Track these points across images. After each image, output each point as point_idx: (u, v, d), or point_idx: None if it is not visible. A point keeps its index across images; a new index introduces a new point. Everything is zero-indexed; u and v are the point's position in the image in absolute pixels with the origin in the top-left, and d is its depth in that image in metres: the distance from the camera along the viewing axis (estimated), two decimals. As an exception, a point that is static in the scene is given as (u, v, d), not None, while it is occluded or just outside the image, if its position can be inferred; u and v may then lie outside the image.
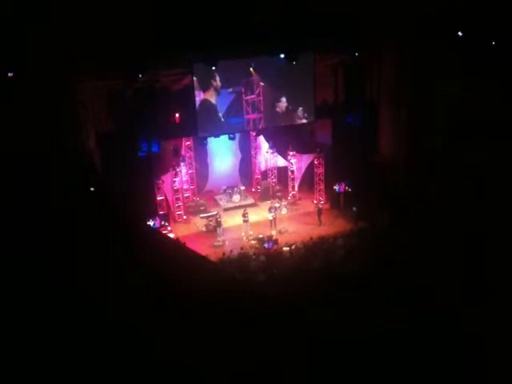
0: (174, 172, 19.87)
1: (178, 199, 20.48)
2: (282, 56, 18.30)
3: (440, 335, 5.98)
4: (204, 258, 8.83)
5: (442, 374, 5.05)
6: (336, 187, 20.66)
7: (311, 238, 17.91)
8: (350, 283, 11.28)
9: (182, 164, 21.02)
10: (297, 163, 22.11)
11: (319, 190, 21.67)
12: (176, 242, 12.54)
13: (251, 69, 18.27)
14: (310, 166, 21.82)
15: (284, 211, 20.85)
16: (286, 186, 22.55)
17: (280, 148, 22.22)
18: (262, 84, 18.63)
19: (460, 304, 7.26)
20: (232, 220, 20.33)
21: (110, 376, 3.72)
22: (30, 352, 3.73)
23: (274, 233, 19.11)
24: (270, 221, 19.55)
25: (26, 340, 3.80)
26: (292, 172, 22.23)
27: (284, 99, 19.12)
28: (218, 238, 18.90)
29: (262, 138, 22.41)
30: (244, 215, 19.28)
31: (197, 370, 4.19)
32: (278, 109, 19.21)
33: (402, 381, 4.65)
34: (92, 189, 13.40)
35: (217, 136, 19.53)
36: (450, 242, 11.33)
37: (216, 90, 18.15)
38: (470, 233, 11.13)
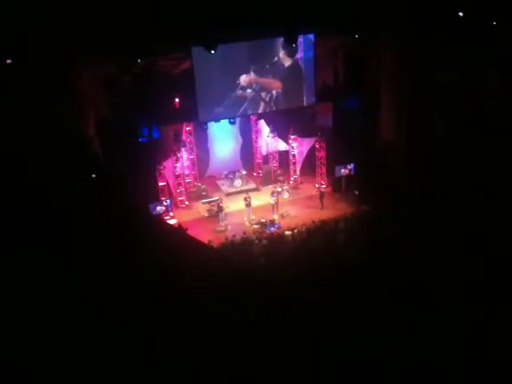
0: (175, 157, 19.85)
1: (179, 185, 20.49)
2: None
3: (439, 326, 5.99)
4: (205, 246, 8.86)
5: (442, 369, 5.07)
6: (337, 170, 20.60)
7: (313, 222, 17.95)
8: (351, 269, 11.31)
9: (183, 149, 20.99)
10: (298, 147, 22.05)
11: (321, 174, 21.64)
12: (177, 230, 12.58)
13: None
14: (312, 150, 21.75)
15: (286, 195, 20.86)
16: (288, 170, 22.52)
17: (281, 132, 22.13)
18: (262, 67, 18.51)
19: (460, 295, 7.27)
20: (234, 205, 20.36)
21: (110, 375, 3.74)
22: (30, 350, 3.75)
23: (276, 217, 19.14)
24: (272, 205, 19.56)
25: (26, 338, 3.82)
26: (293, 156, 22.17)
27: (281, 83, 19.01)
28: (221, 223, 18.94)
29: (262, 122, 22.31)
30: (246, 200, 19.29)
31: (199, 361, 4.22)
32: (275, 92, 19.07)
33: (401, 376, 4.67)
34: (93, 176, 13.40)
35: (217, 120, 19.45)
36: (449, 228, 11.32)
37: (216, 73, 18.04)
38: (468, 220, 11.12)
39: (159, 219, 15.92)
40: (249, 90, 18.63)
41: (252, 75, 18.55)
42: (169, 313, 4.38)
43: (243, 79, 18.51)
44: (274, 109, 19.45)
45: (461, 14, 16.32)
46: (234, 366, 4.04)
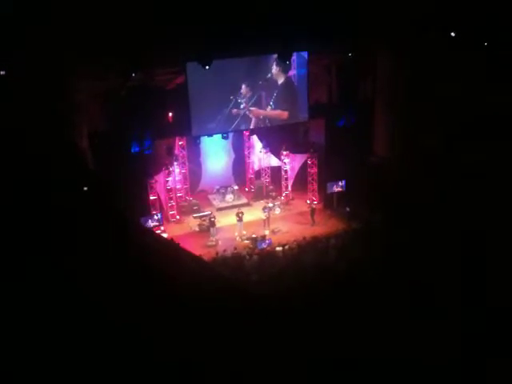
0: (167, 171, 19.82)
1: (171, 199, 20.43)
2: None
3: (437, 333, 6.01)
4: (198, 258, 8.81)
5: (442, 373, 5.07)
6: (329, 187, 20.67)
7: (304, 238, 17.92)
8: (342, 283, 11.31)
9: (175, 163, 20.98)
10: (290, 163, 22.14)
11: (312, 190, 21.70)
12: (170, 242, 12.51)
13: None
14: (304, 166, 21.84)
15: (277, 211, 20.86)
16: (280, 186, 22.56)
17: (273, 147, 22.24)
18: (255, 83, 18.67)
19: (455, 304, 7.30)
20: (225, 220, 20.31)
21: (110, 376, 3.70)
22: (30, 352, 3.70)
23: (267, 232, 19.11)
24: (264, 220, 19.54)
25: (25, 340, 3.77)
26: (285, 172, 22.25)
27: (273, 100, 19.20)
28: (211, 238, 18.87)
29: (255, 138, 22.41)
30: (237, 215, 19.26)
31: (192, 370, 4.18)
32: (268, 108, 19.24)
33: (401, 380, 4.66)
34: (85, 188, 13.33)
35: (210, 135, 19.50)
36: (443, 243, 11.39)
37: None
38: (463, 234, 11.19)
39: (151, 231, 15.85)
40: (242, 106, 18.75)
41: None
42: (168, 314, 4.35)
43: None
44: (268, 125, 19.58)
45: (453, 34, 16.62)
46: (227, 366, 4.01)
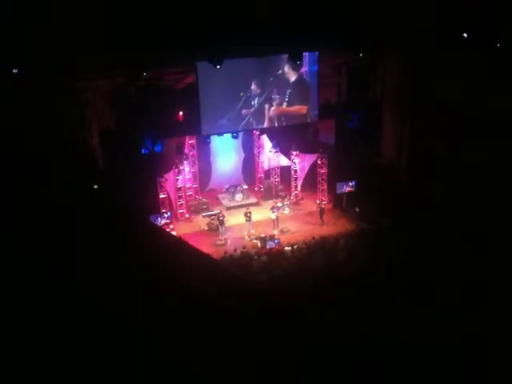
0: (176, 170, 19.89)
1: (180, 197, 20.51)
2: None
3: (440, 335, 5.99)
4: (207, 256, 8.82)
5: (442, 374, 5.06)
6: (339, 187, 20.63)
7: (313, 238, 17.91)
8: (352, 283, 11.29)
9: (185, 162, 21.06)
10: (300, 163, 22.13)
11: (322, 190, 21.68)
12: (179, 240, 12.54)
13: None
14: (313, 166, 21.83)
15: (286, 211, 20.86)
16: (289, 186, 22.56)
17: (283, 147, 22.24)
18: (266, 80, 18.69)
19: (460, 304, 7.28)
20: (234, 219, 20.35)
21: (110, 376, 3.72)
22: (30, 352, 3.73)
23: (276, 232, 19.11)
24: (273, 220, 19.55)
25: (25, 340, 3.80)
26: (295, 171, 22.24)
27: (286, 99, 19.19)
28: (220, 237, 18.92)
29: (265, 137, 22.42)
30: (246, 214, 19.29)
31: (197, 369, 4.19)
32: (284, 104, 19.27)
33: (402, 381, 4.65)
34: (95, 186, 13.45)
35: (220, 134, 19.54)
36: (452, 244, 11.34)
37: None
38: (471, 234, 11.14)
39: (161, 229, 15.90)
40: (253, 103, 18.75)
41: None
42: (172, 314, 4.36)
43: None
44: (284, 124, 19.56)
45: (465, 35, 16.53)
46: (233, 366, 4.02)
